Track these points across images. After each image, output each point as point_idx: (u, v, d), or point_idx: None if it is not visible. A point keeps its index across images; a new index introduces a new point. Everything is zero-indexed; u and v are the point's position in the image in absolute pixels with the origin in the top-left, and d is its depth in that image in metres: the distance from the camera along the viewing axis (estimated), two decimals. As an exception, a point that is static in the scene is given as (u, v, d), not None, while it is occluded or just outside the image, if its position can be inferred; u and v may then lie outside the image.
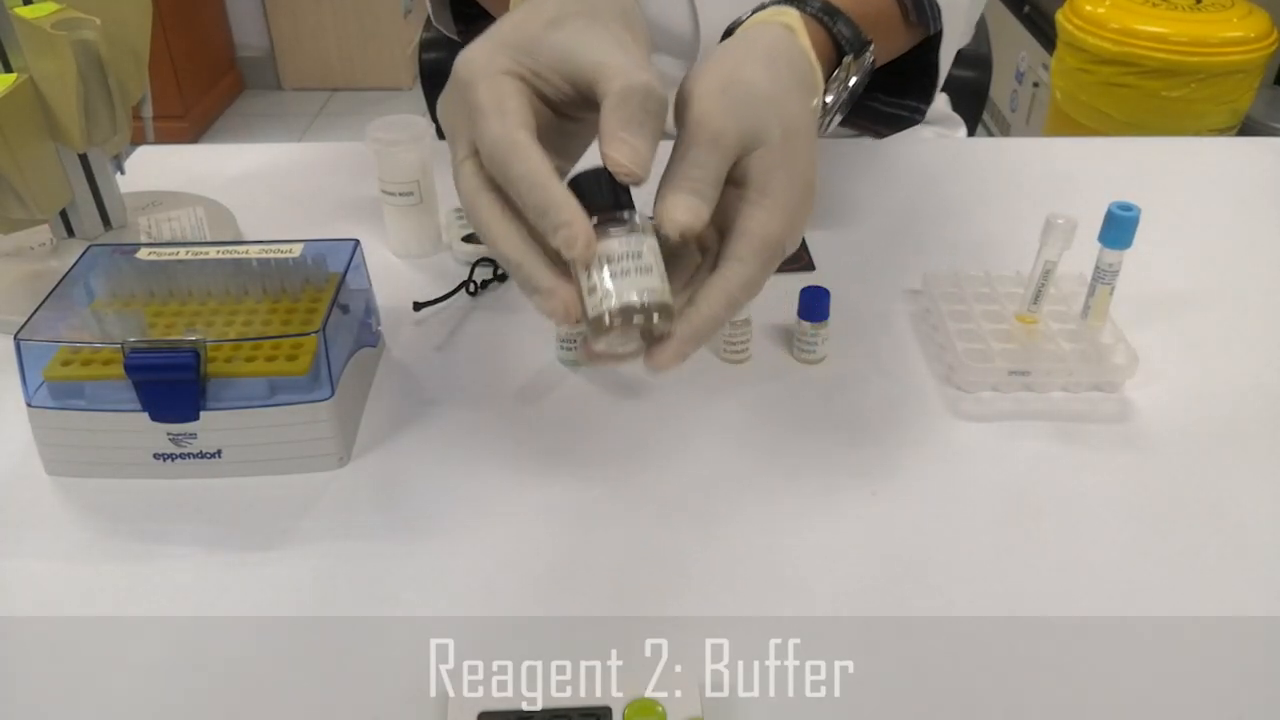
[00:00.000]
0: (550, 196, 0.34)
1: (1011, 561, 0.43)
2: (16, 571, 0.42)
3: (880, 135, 0.63)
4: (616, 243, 0.35)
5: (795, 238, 0.39)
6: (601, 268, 0.35)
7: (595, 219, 0.35)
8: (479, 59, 0.37)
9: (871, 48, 0.48)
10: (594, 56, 0.36)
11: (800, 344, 0.54)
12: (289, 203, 0.71)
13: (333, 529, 0.44)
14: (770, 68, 0.39)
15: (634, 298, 0.35)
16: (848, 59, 0.48)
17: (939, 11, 0.54)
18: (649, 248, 0.35)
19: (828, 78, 0.47)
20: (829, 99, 0.47)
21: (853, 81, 0.49)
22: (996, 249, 0.65)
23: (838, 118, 0.50)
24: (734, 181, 0.38)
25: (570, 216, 0.34)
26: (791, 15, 0.44)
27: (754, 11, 0.46)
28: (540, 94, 0.37)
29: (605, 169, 0.35)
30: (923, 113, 0.60)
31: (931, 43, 0.55)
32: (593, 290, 0.35)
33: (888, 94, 0.59)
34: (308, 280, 0.50)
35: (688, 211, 0.35)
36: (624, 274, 0.35)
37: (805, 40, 0.43)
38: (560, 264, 0.36)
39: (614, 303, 0.34)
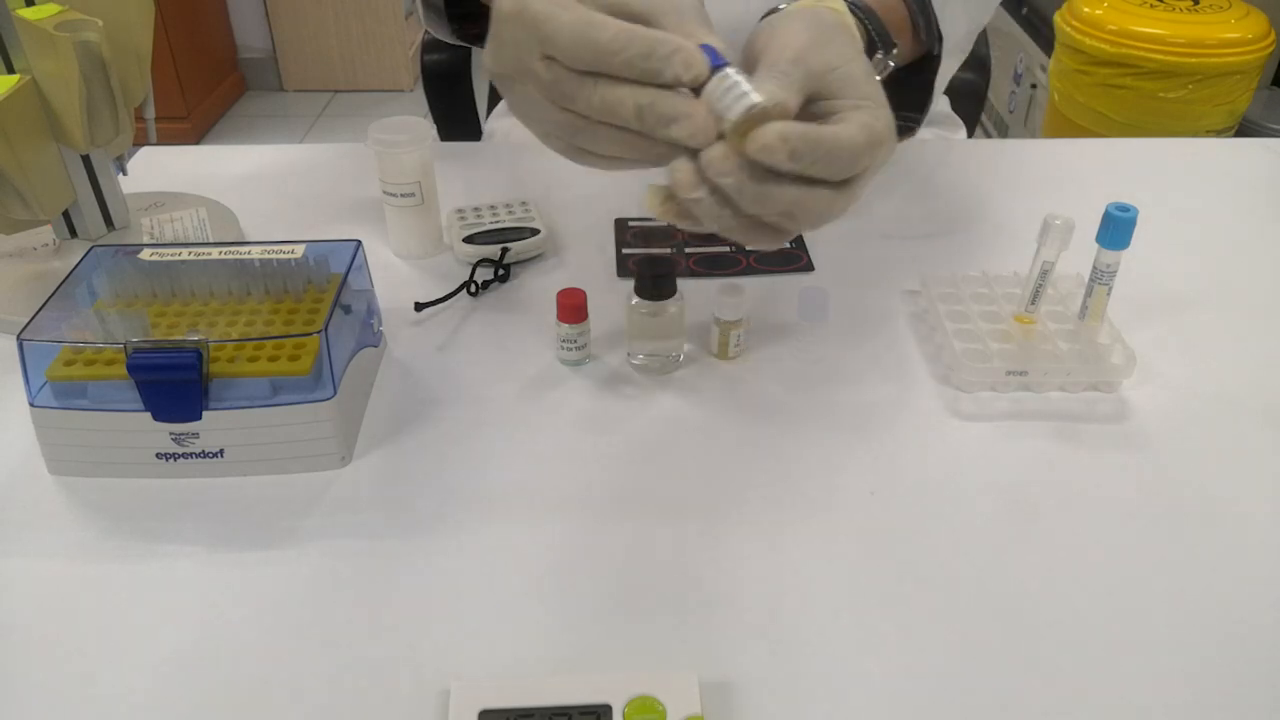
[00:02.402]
0: (649, 36, 0.35)
1: (1009, 561, 0.43)
2: (19, 571, 0.43)
3: None
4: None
5: (882, 155, 0.38)
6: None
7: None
8: None
9: (895, 51, 0.49)
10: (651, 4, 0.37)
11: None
12: (291, 203, 0.72)
13: (334, 528, 0.44)
14: (839, 31, 0.41)
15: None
16: (879, 55, 0.49)
17: (941, 36, 0.55)
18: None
19: None
20: None
21: (878, 79, 0.50)
22: (994, 249, 0.65)
23: None
24: (820, 108, 0.38)
25: (677, 42, 0.35)
26: (838, 2, 0.45)
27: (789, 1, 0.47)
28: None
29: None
30: (918, 122, 0.60)
31: (929, 63, 0.56)
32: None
33: None
34: (310, 281, 0.50)
35: (779, 89, 0.36)
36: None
37: (853, 23, 0.44)
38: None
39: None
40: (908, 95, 0.57)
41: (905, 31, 0.54)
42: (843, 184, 0.38)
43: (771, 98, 0.36)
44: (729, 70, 0.36)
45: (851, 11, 0.47)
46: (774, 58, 0.38)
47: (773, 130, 0.35)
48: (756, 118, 0.35)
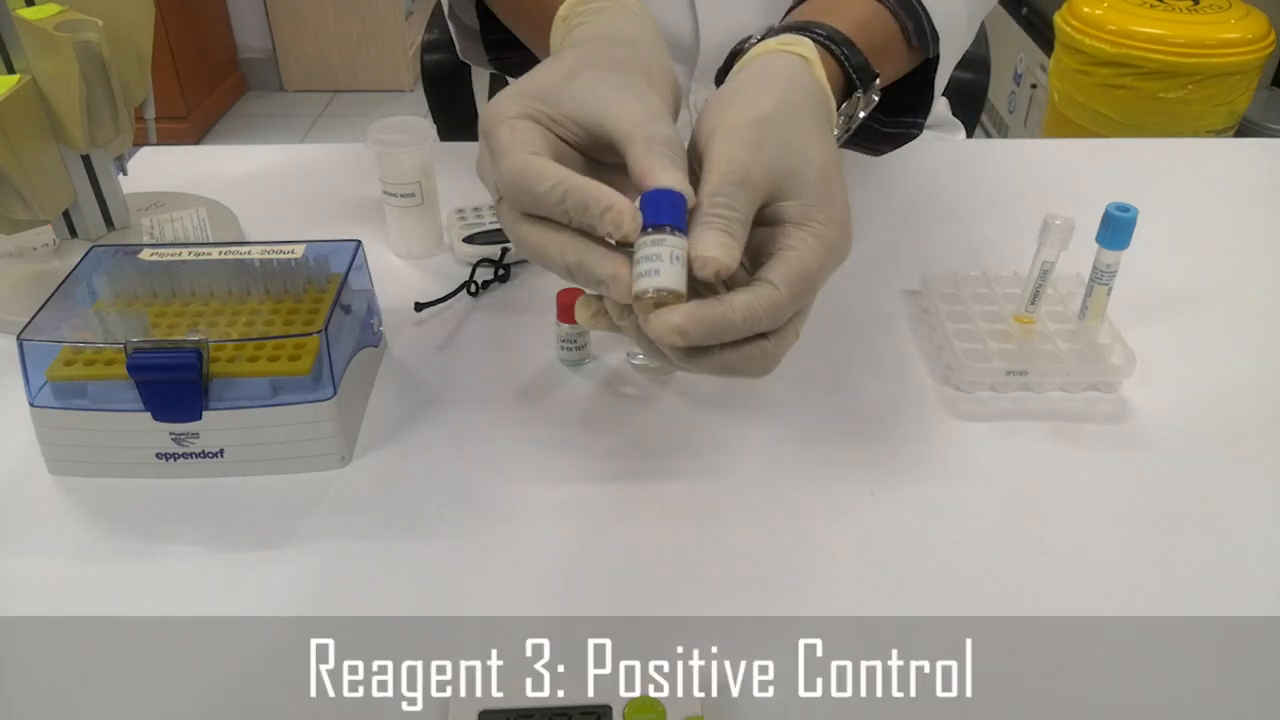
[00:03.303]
0: (586, 190, 0.34)
1: (1009, 561, 0.43)
2: (19, 571, 0.43)
3: (879, 153, 0.61)
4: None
5: (824, 277, 0.37)
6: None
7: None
8: (497, 109, 0.38)
9: (877, 81, 0.47)
10: (610, 108, 0.36)
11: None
12: (291, 204, 0.72)
13: (334, 528, 0.44)
14: (793, 105, 0.39)
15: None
16: (857, 94, 0.47)
17: (937, 36, 0.53)
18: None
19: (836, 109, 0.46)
20: (835, 131, 0.46)
21: (861, 115, 0.48)
22: (994, 249, 0.65)
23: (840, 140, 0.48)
24: (766, 222, 0.37)
25: (611, 200, 0.34)
26: (805, 45, 0.42)
27: (763, 36, 0.45)
28: (562, 139, 0.38)
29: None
30: (920, 127, 0.59)
31: (928, 64, 0.55)
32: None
33: (886, 113, 0.57)
34: (310, 281, 0.50)
35: (720, 249, 0.34)
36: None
37: (821, 72, 0.42)
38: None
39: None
40: (908, 98, 0.56)
41: (895, 45, 0.52)
42: (778, 329, 0.36)
43: (676, 284, 0.33)
44: (649, 240, 0.34)
45: (826, 46, 0.45)
46: (716, 179, 0.35)
47: (665, 322, 0.34)
48: (660, 300, 0.34)
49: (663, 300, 0.34)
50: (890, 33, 0.51)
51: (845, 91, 0.47)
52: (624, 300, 0.35)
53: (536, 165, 0.35)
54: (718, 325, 0.34)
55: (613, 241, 0.35)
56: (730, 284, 0.36)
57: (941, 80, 0.56)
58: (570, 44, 0.43)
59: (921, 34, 0.52)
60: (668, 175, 0.35)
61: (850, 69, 0.46)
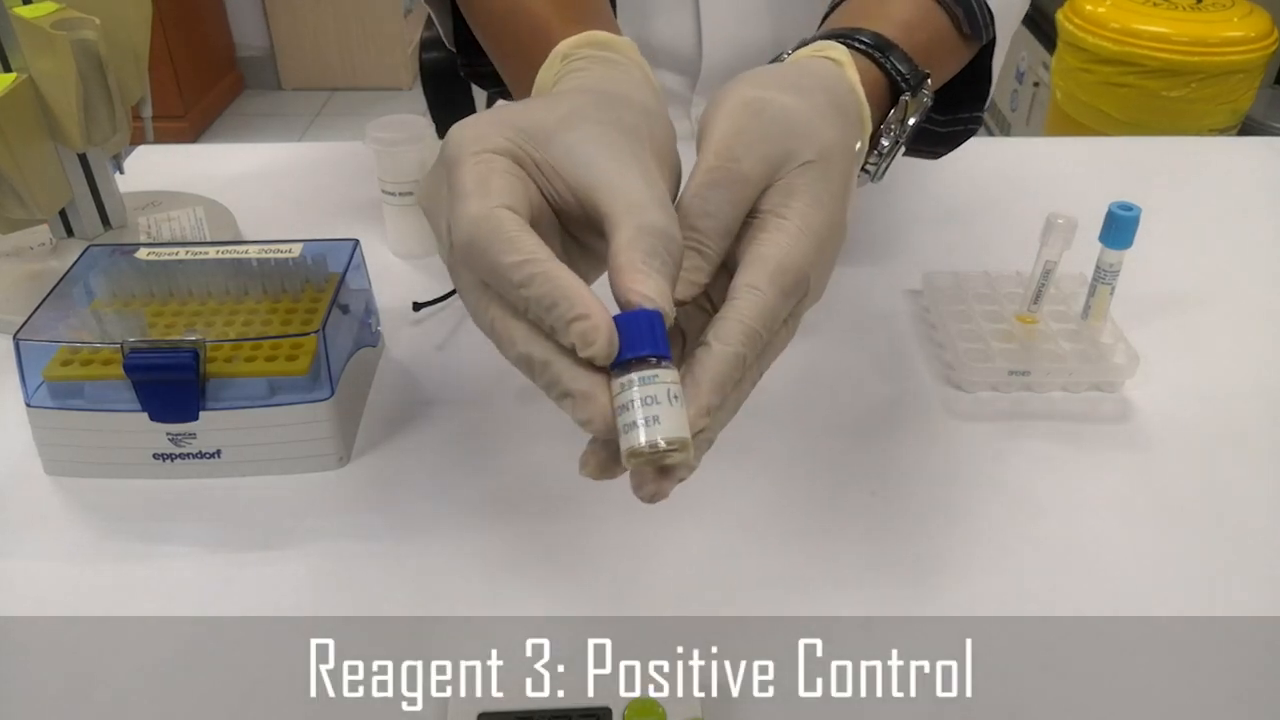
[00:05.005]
0: (558, 283, 0.28)
1: (1010, 561, 0.43)
2: (16, 571, 0.42)
3: (937, 156, 0.56)
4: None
5: (821, 275, 0.33)
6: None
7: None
8: (469, 135, 0.31)
9: (929, 81, 0.44)
10: (609, 177, 0.30)
11: None
12: (289, 203, 0.71)
13: (332, 529, 0.44)
14: (804, 92, 0.34)
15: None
16: (905, 98, 0.43)
17: (991, 17, 0.49)
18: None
19: (883, 118, 0.43)
20: (885, 142, 0.43)
21: (912, 121, 0.44)
22: (996, 249, 0.65)
23: (898, 154, 0.45)
24: (752, 213, 0.33)
25: (588, 307, 0.28)
26: (838, 50, 0.39)
27: (796, 48, 0.41)
28: (543, 195, 0.31)
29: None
30: (979, 121, 0.54)
31: (983, 49, 0.51)
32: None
33: (941, 112, 0.53)
34: (307, 280, 0.50)
35: (682, 286, 0.30)
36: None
37: (853, 74, 0.38)
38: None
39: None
40: (961, 90, 0.52)
41: (945, 40, 0.48)
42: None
43: (684, 430, 0.28)
44: (638, 377, 0.28)
45: (867, 53, 0.42)
46: (712, 165, 0.32)
47: (690, 415, 0.29)
48: (663, 455, 0.28)
49: (660, 457, 0.28)
50: (939, 28, 0.47)
51: (891, 100, 0.43)
52: (594, 429, 0.29)
53: (510, 227, 0.28)
54: (727, 374, 0.30)
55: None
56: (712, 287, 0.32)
57: (998, 64, 0.52)
58: (569, 88, 0.37)
59: (973, 20, 0.48)
60: (651, 283, 0.28)
61: (898, 75, 0.42)
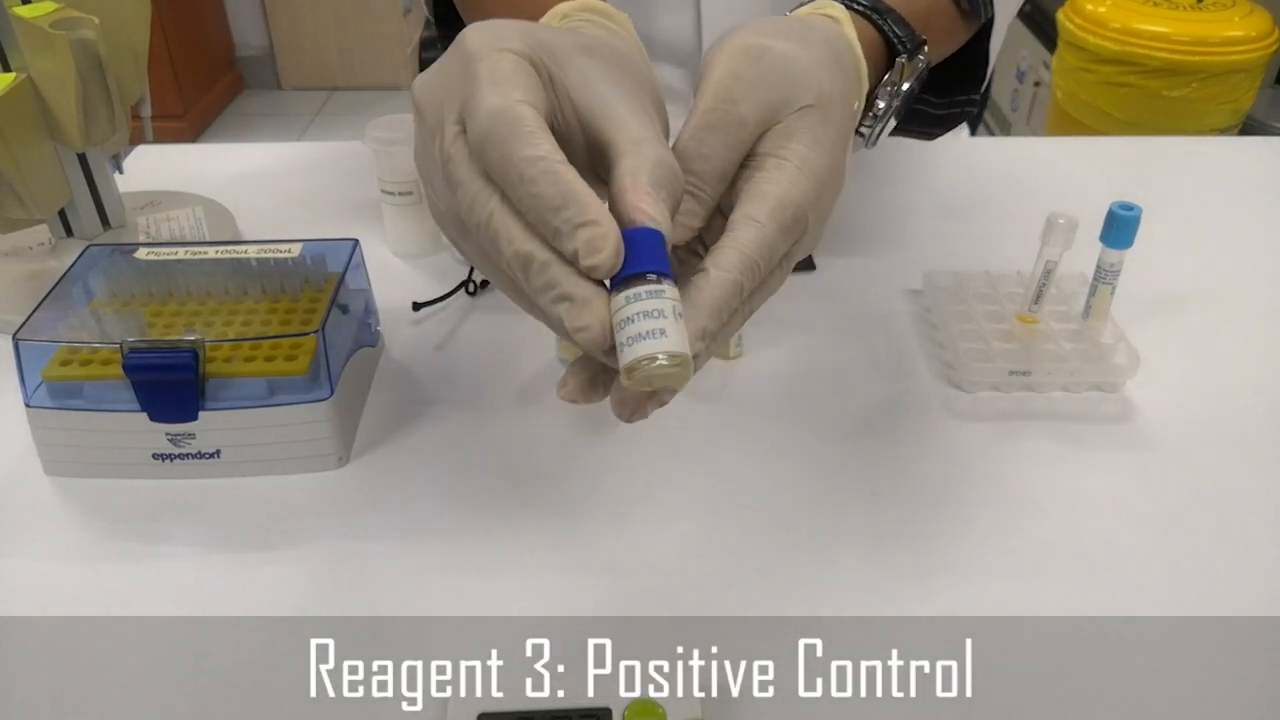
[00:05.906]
0: (569, 186, 0.27)
1: (1010, 561, 0.42)
2: (15, 572, 0.42)
3: (931, 138, 0.57)
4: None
5: (819, 219, 0.32)
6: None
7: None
8: (492, 33, 0.31)
9: (925, 48, 0.44)
10: (619, 109, 0.30)
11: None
12: (288, 202, 0.71)
13: (332, 529, 0.44)
14: (805, 42, 0.34)
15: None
16: (900, 60, 0.44)
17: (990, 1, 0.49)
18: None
19: (878, 82, 0.44)
20: (880, 104, 0.44)
21: (906, 85, 0.45)
22: (997, 248, 0.64)
23: (891, 124, 0.46)
24: (749, 157, 0.33)
25: (596, 213, 0.27)
26: (837, 9, 0.39)
27: (795, 8, 0.42)
28: (550, 109, 0.31)
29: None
30: (975, 104, 0.54)
31: (981, 31, 0.51)
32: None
33: (937, 94, 0.54)
34: (307, 280, 0.50)
35: (676, 230, 0.30)
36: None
37: (850, 31, 0.38)
38: None
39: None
40: (958, 74, 0.52)
41: (946, 12, 0.48)
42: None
43: (685, 347, 0.27)
44: (645, 290, 0.27)
45: (865, 15, 0.43)
46: (709, 109, 0.32)
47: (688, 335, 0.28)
48: (661, 371, 0.27)
49: (663, 372, 0.27)
50: (938, 2, 0.48)
51: (889, 62, 0.44)
52: (592, 339, 0.28)
53: (529, 123, 0.28)
54: (724, 300, 0.29)
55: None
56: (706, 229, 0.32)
57: (995, 47, 0.52)
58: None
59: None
60: (658, 208, 0.28)
61: (894, 36, 0.43)
